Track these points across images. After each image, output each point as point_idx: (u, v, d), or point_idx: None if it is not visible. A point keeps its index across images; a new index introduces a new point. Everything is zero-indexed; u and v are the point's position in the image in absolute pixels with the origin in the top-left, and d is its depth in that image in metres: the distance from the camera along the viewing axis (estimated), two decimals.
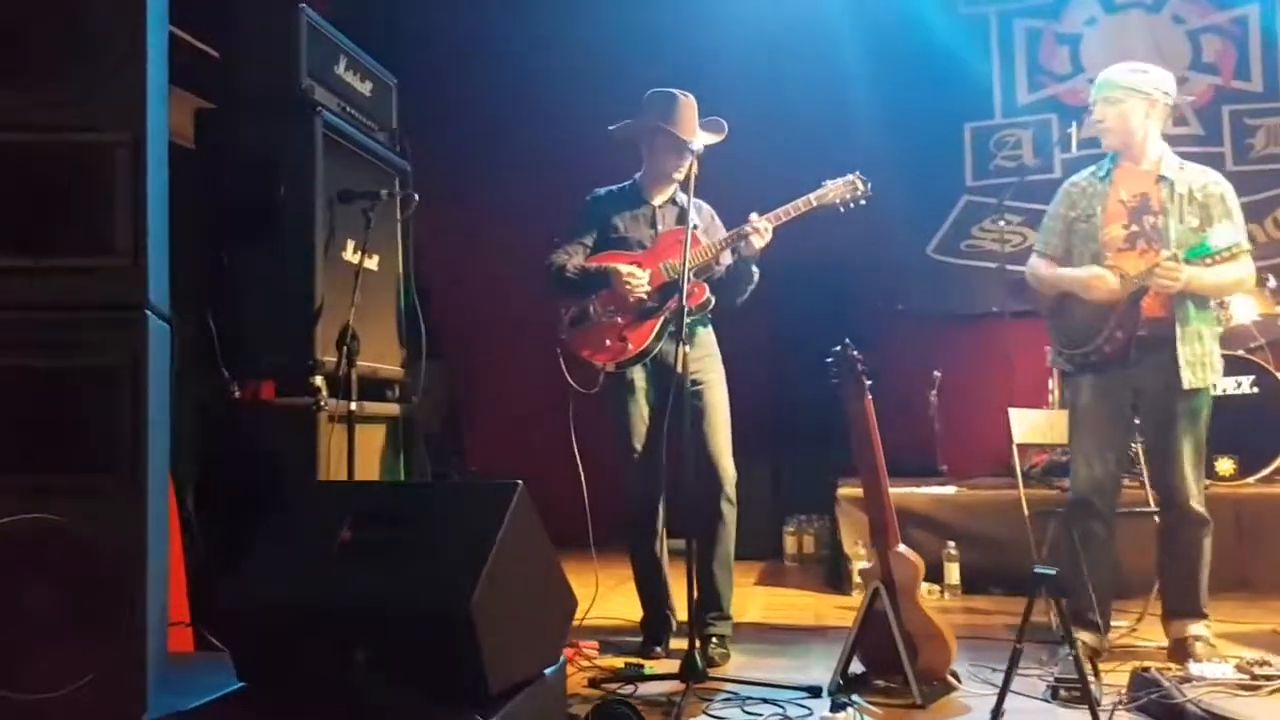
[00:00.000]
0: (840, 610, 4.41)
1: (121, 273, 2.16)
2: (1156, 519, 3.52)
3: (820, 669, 3.24)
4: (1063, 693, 2.89)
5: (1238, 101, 6.17)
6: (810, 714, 2.84)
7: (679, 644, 3.44)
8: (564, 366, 3.55)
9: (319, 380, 3.16)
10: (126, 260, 2.16)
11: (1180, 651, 3.28)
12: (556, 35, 6.31)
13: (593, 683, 3.12)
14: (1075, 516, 3.43)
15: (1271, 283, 4.97)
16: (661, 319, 3.53)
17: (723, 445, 3.58)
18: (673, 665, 3.14)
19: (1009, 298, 5.26)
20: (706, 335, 3.67)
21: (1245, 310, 4.87)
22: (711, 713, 2.87)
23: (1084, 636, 3.23)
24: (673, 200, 3.71)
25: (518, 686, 2.18)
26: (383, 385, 3.60)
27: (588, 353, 3.54)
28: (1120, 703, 2.81)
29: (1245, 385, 4.67)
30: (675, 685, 2.99)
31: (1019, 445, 4.33)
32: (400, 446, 3.63)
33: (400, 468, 3.63)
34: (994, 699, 2.58)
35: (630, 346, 3.52)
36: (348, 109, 3.51)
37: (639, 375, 3.58)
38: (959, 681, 3.03)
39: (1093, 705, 2.48)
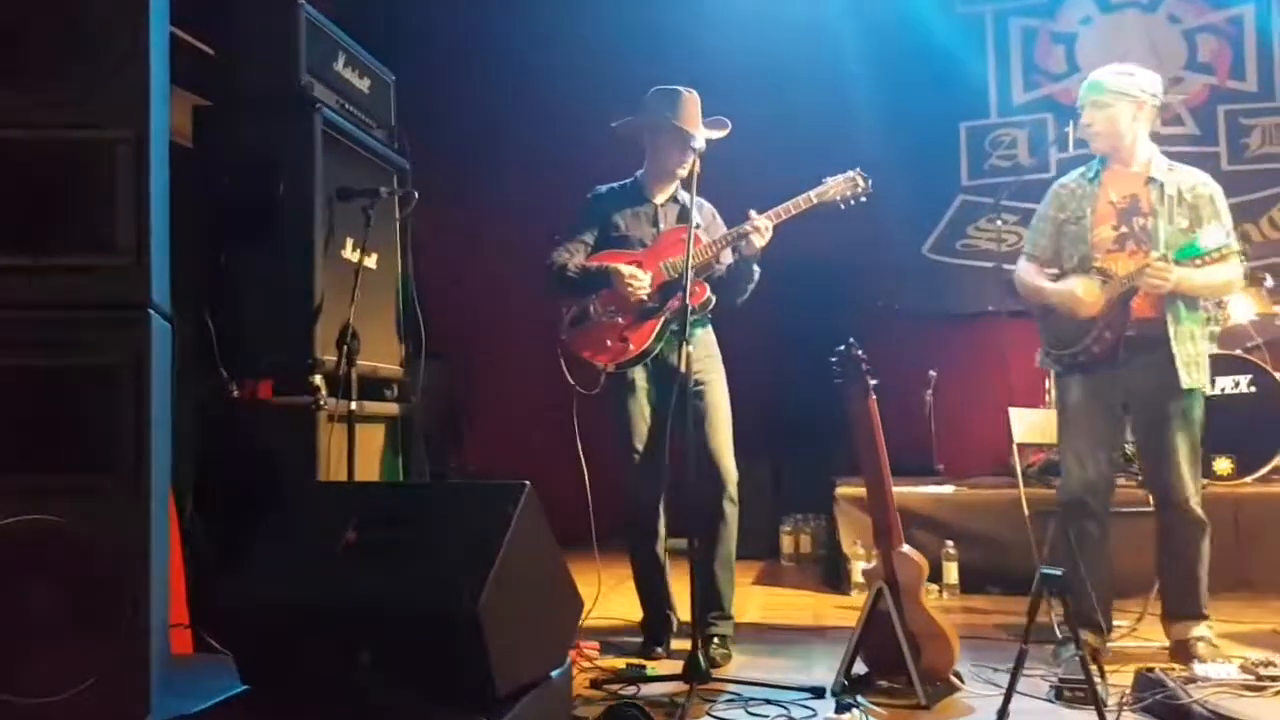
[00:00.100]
0: (839, 610, 4.41)
1: (124, 271, 2.15)
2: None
3: (822, 669, 3.23)
4: (1067, 693, 2.88)
5: (1233, 101, 6.17)
6: (814, 715, 2.82)
7: (680, 644, 3.43)
8: (564, 367, 3.52)
9: (318, 379, 3.14)
10: (129, 259, 2.15)
11: (1183, 652, 3.27)
12: (556, 33, 6.28)
13: (594, 684, 3.09)
14: (1070, 517, 3.42)
15: (1269, 282, 4.96)
16: (662, 319, 3.51)
17: (724, 445, 3.57)
18: (674, 666, 3.13)
19: (1005, 297, 5.25)
20: (706, 335, 3.66)
21: (1243, 310, 4.88)
22: (715, 714, 2.85)
23: (1086, 637, 3.22)
24: (674, 198, 3.70)
25: (524, 689, 2.16)
26: (382, 384, 3.58)
27: (588, 353, 3.52)
28: (1125, 703, 2.80)
29: (1243, 384, 4.66)
30: (678, 686, 2.98)
31: (1017, 445, 4.32)
32: (399, 446, 3.61)
33: (399, 467, 3.61)
34: (998, 699, 2.57)
35: (631, 347, 3.50)
36: (346, 106, 3.48)
37: (640, 375, 3.56)
38: (962, 682, 3.02)
39: (1099, 706, 2.48)
